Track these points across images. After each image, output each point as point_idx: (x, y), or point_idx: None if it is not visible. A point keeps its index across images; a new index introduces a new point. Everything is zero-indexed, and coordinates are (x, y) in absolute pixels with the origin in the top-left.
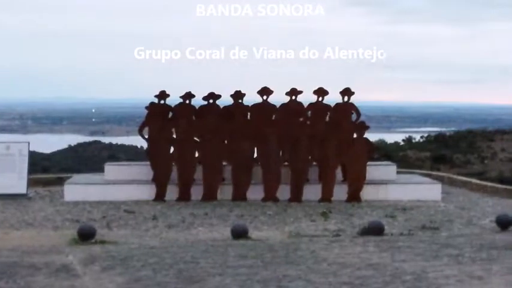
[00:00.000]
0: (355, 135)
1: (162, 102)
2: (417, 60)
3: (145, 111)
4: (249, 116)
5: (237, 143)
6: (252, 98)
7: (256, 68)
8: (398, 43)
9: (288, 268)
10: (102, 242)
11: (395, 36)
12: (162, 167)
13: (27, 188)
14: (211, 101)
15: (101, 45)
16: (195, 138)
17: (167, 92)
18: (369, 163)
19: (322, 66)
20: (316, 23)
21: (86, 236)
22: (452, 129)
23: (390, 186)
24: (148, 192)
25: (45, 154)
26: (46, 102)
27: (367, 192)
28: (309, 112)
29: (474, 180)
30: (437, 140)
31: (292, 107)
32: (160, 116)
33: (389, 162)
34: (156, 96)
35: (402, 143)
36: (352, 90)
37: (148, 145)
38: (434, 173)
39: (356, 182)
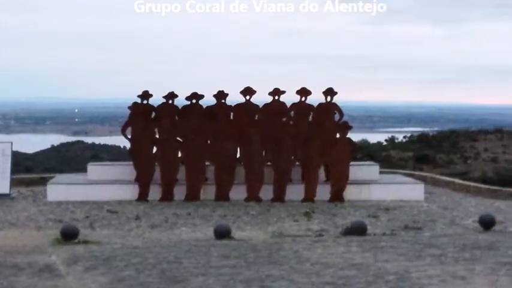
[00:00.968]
0: (338, 135)
1: (145, 102)
2: (400, 60)
3: (128, 111)
4: (232, 116)
5: (220, 143)
6: (235, 98)
7: (241, 67)
8: (381, 43)
9: (271, 268)
10: (85, 242)
11: (379, 36)
12: (145, 167)
13: (10, 188)
14: (194, 101)
15: (83, 45)
16: (178, 138)
17: (150, 92)
18: (351, 163)
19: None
20: None
21: (69, 236)
22: (435, 129)
23: (373, 186)
24: (131, 192)
25: (28, 154)
26: (29, 102)
27: (350, 192)
28: (292, 112)
29: (457, 180)
30: (420, 140)
31: (275, 107)
32: (143, 116)
33: (372, 162)
34: (139, 96)
35: (385, 143)
36: (335, 90)
37: (131, 145)
38: (417, 173)
39: (339, 182)
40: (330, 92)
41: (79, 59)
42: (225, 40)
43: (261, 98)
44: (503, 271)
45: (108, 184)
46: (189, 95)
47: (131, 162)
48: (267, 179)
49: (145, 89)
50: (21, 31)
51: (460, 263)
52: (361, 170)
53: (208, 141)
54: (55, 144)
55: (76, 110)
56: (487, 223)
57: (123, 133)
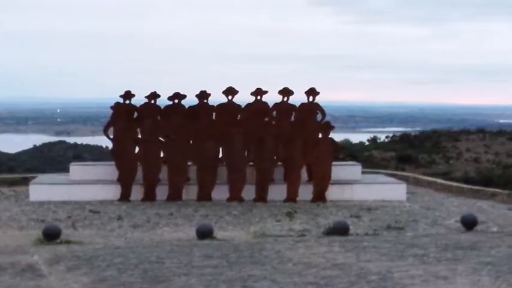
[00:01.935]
0: (320, 135)
1: (127, 102)
2: (382, 60)
3: (111, 111)
4: (214, 116)
5: (202, 143)
6: (217, 98)
7: (223, 67)
8: (363, 43)
9: (253, 268)
10: (68, 242)
11: (361, 36)
12: (127, 167)
13: None
14: (176, 101)
15: (66, 44)
16: (160, 138)
17: (132, 92)
18: (334, 163)
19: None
20: None
21: (51, 236)
22: (418, 129)
23: (355, 186)
24: (113, 192)
25: (10, 154)
26: (11, 102)
27: (332, 192)
28: (274, 112)
29: (439, 180)
30: (403, 140)
31: (258, 107)
32: (125, 116)
33: (354, 162)
34: (121, 96)
35: (367, 143)
36: (317, 90)
37: (113, 145)
38: (399, 173)
39: (321, 182)
40: (312, 92)
41: (61, 59)
42: (209, 40)
43: (244, 98)
44: (485, 271)
45: (90, 184)
46: (171, 95)
47: (113, 162)
48: (249, 179)
49: (128, 89)
50: (6, 30)
51: (442, 263)
52: (344, 170)
53: (191, 141)
54: (37, 144)
55: (58, 110)
56: (469, 223)
57: (105, 133)
